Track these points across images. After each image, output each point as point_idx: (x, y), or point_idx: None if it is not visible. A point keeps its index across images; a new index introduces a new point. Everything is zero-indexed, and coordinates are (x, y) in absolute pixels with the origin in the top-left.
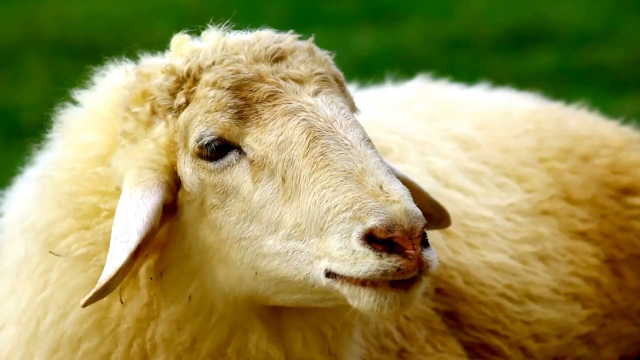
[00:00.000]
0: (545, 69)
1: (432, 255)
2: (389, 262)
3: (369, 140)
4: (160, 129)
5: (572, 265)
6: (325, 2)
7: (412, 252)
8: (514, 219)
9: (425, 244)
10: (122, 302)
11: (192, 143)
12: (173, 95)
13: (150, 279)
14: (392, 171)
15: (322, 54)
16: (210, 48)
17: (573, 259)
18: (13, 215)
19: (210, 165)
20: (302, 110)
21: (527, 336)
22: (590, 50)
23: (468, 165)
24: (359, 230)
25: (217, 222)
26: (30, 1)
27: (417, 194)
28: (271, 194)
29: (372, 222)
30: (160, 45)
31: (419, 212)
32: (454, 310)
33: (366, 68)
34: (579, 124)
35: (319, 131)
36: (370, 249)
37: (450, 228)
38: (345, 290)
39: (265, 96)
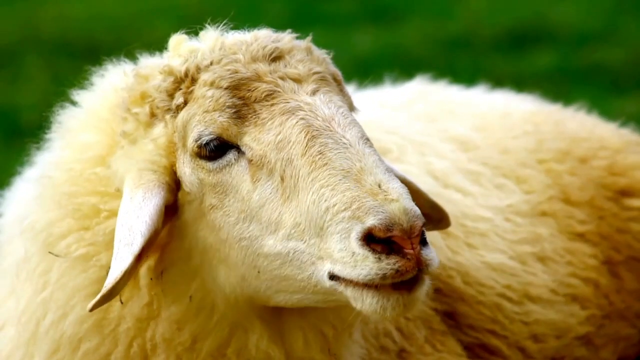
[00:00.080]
0: (545, 69)
1: (432, 254)
2: (388, 265)
3: (368, 139)
4: (159, 130)
5: (570, 266)
6: (325, 2)
7: (411, 251)
8: (513, 219)
9: (424, 242)
10: (122, 302)
11: (190, 143)
12: (171, 95)
13: (150, 279)
14: (390, 170)
15: (320, 53)
16: (208, 48)
17: (571, 260)
18: (12, 216)
19: (209, 165)
20: (300, 110)
21: (526, 336)
22: (590, 50)
23: (467, 166)
24: (358, 230)
25: (217, 223)
26: (30, 1)
27: (416, 194)
28: (270, 193)
29: (371, 221)
30: (160, 45)
31: (418, 211)
32: (453, 310)
33: (366, 68)
34: (577, 126)
35: (317, 130)
36: (369, 251)
37: (450, 228)
38: (349, 292)
39: (263, 95)
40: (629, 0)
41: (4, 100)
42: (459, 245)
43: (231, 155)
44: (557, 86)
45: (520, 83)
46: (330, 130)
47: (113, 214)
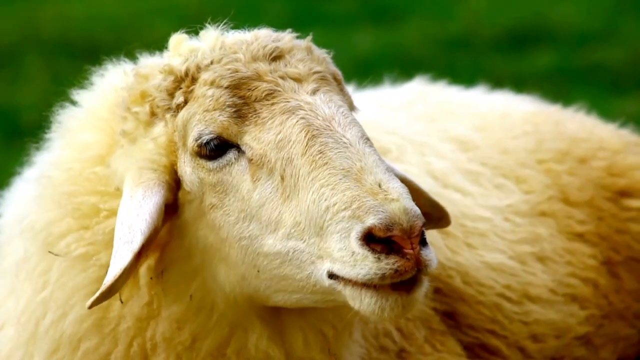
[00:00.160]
0: (545, 69)
1: (431, 255)
2: (387, 265)
3: (368, 139)
4: (159, 129)
5: (570, 266)
6: (325, 2)
7: (411, 251)
8: (513, 219)
9: (423, 242)
10: (122, 302)
11: (191, 142)
12: (171, 95)
13: (150, 279)
14: (391, 169)
15: (320, 53)
16: (209, 47)
17: (571, 260)
18: (12, 216)
19: (210, 164)
20: (301, 109)
21: (525, 336)
22: (590, 50)
23: (467, 166)
24: (358, 229)
25: (217, 222)
26: (30, 1)
27: (416, 193)
28: (270, 192)
29: (371, 220)
30: (160, 45)
31: (418, 211)
32: (452, 310)
33: (366, 68)
34: (577, 126)
35: (317, 129)
36: (369, 250)
37: (449, 228)
38: (347, 291)
39: (263, 95)
40: (629, 0)
41: (4, 100)
42: (459, 245)
43: (231, 155)
44: (557, 86)
45: (520, 83)
46: (331, 130)
47: (113, 213)
